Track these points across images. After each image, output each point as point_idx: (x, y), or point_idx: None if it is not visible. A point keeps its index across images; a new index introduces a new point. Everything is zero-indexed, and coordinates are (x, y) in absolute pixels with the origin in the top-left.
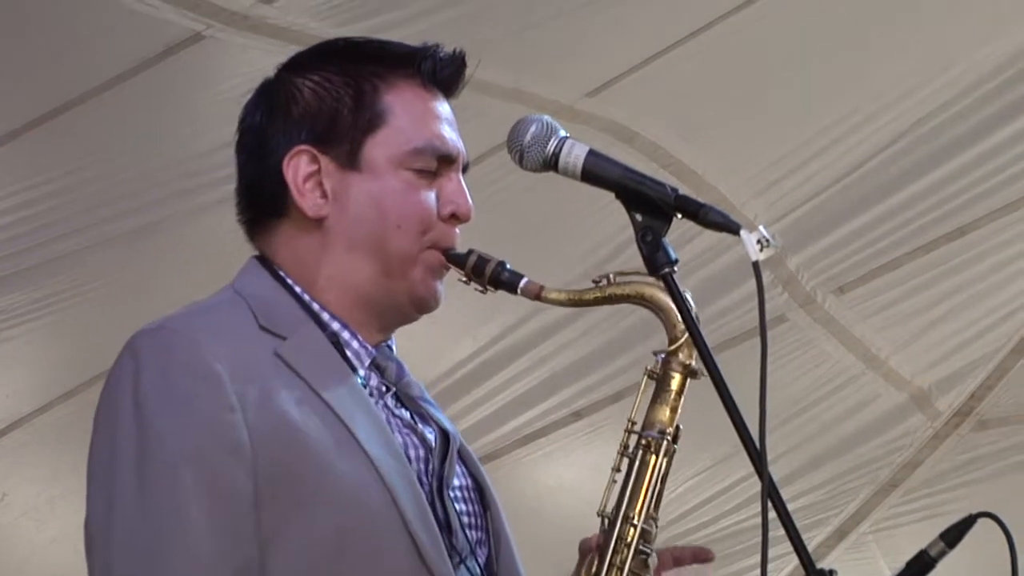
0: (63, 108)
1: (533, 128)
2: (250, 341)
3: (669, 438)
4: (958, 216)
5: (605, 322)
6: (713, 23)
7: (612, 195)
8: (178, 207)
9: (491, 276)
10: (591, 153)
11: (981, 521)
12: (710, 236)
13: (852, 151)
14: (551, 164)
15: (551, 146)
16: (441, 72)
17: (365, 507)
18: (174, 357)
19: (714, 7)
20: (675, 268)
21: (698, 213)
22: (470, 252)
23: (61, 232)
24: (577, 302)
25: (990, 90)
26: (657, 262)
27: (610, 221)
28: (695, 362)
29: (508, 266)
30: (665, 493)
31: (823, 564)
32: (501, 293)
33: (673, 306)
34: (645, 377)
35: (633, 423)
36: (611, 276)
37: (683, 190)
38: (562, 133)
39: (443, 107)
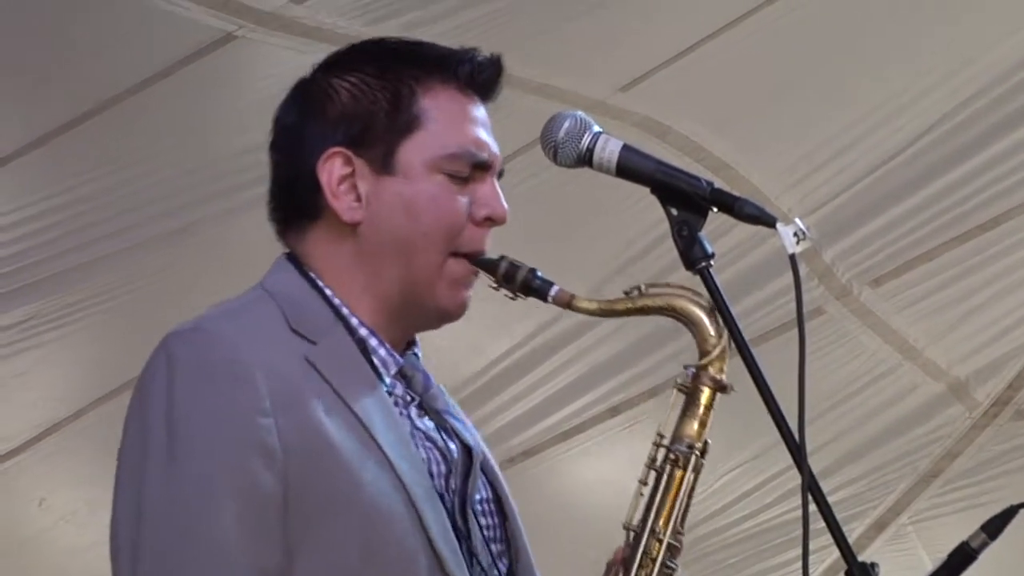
0: (96, 110)
1: (567, 124)
2: (282, 344)
3: (697, 453)
4: (992, 206)
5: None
6: (744, 16)
7: (647, 190)
8: (212, 209)
9: (522, 283)
10: (625, 148)
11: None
12: (745, 229)
13: (884, 142)
14: (585, 160)
15: (585, 142)
16: (479, 76)
17: (390, 519)
18: (209, 359)
19: (745, 1)
20: (711, 262)
21: (733, 206)
22: (501, 258)
23: (95, 236)
24: (607, 312)
25: (1022, 79)
26: (693, 256)
27: (645, 216)
28: (725, 377)
29: (539, 273)
30: (707, 487)
31: (863, 556)
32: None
33: (705, 319)
34: (675, 391)
35: (661, 436)
36: (642, 287)
37: (717, 184)
38: (596, 128)
39: (479, 111)
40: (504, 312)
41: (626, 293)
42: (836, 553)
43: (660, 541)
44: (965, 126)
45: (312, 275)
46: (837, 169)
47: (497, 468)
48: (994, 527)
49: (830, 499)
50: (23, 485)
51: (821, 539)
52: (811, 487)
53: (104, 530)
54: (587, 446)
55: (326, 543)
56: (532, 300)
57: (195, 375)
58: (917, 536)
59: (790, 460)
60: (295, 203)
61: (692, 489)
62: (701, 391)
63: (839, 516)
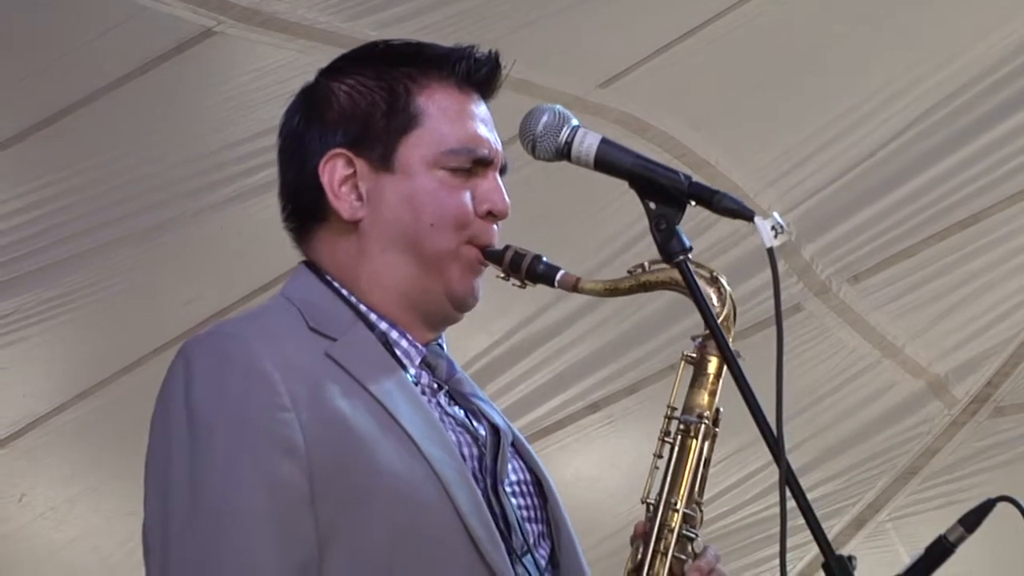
0: (73, 107)
1: (545, 118)
2: (300, 342)
3: (708, 421)
4: (972, 203)
5: (621, 313)
6: (724, 12)
7: (626, 184)
8: (191, 204)
9: (528, 270)
10: (604, 141)
11: (1000, 505)
12: (724, 226)
13: (865, 139)
14: (564, 153)
15: (563, 135)
16: (476, 73)
17: (420, 502)
18: (225, 360)
19: None
20: (689, 255)
21: (712, 200)
22: (507, 248)
23: (73, 231)
24: (613, 291)
25: (1001, 77)
26: (671, 250)
27: (625, 211)
28: (731, 344)
29: (545, 259)
30: None
31: (842, 552)
32: (514, 286)
33: (708, 289)
34: (683, 362)
35: (673, 408)
36: (646, 264)
37: (696, 179)
38: (574, 122)
39: (479, 108)
40: (482, 309)
41: (630, 272)
42: (815, 549)
43: (676, 511)
44: (944, 123)
45: (329, 277)
46: (817, 166)
47: (533, 451)
48: (971, 521)
49: (809, 496)
50: (2, 480)
51: (799, 535)
52: (789, 481)
53: (83, 526)
54: (566, 442)
55: (356, 531)
56: (511, 297)
57: (211, 376)
58: (896, 533)
59: (769, 457)
60: (302, 207)
61: (707, 458)
62: (708, 360)
63: (818, 514)
